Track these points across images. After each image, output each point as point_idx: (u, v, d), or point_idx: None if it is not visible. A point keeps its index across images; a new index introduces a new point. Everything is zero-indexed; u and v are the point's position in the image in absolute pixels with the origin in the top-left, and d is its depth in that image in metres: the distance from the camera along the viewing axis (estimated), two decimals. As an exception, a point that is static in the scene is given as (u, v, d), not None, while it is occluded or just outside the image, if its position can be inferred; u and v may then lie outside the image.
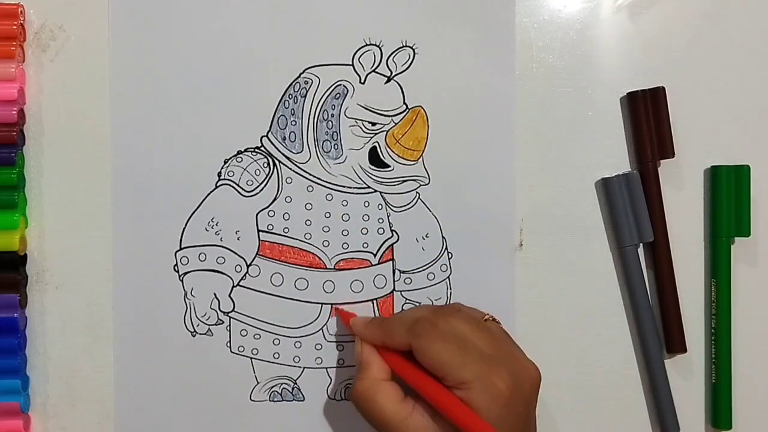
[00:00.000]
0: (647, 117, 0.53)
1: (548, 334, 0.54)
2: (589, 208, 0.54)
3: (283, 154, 0.53)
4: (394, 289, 0.53)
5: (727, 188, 0.53)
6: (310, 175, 0.53)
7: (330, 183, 0.53)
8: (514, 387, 0.45)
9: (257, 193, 0.53)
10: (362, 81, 0.53)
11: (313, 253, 0.53)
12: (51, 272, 0.52)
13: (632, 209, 0.53)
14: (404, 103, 0.53)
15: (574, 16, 0.54)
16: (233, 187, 0.53)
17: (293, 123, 0.53)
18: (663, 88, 0.53)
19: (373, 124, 0.53)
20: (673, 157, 0.53)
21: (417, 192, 0.53)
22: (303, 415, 0.53)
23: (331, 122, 0.53)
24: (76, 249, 0.52)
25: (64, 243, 0.52)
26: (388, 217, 0.53)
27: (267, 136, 0.53)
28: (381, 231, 0.53)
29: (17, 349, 0.51)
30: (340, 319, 0.53)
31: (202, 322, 0.53)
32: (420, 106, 0.53)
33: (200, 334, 0.53)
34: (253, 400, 0.53)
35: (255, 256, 0.53)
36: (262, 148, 0.53)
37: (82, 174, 0.52)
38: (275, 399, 0.53)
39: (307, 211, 0.53)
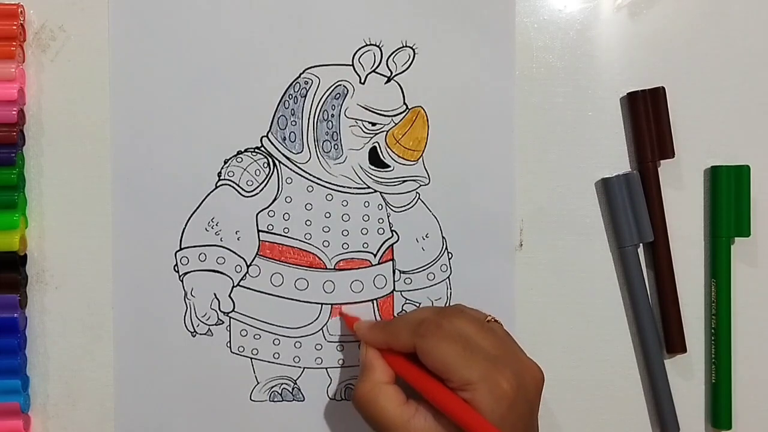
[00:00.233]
0: (647, 117, 0.53)
1: (548, 334, 0.54)
2: (589, 208, 0.54)
3: (283, 155, 0.53)
4: (394, 289, 0.53)
5: (727, 188, 0.53)
6: (310, 175, 0.53)
7: (330, 183, 0.53)
8: (518, 388, 0.45)
9: (257, 193, 0.53)
10: (362, 81, 0.53)
11: (313, 253, 0.53)
12: (51, 272, 0.52)
13: (632, 209, 0.53)
14: (404, 103, 0.53)
15: (574, 16, 0.54)
16: (233, 187, 0.53)
17: (293, 123, 0.53)
18: (663, 88, 0.53)
19: (373, 124, 0.53)
20: (673, 157, 0.53)
21: (417, 192, 0.53)
22: (303, 415, 0.53)
23: (331, 122, 0.53)
24: (76, 249, 0.52)
25: (64, 243, 0.52)
26: (388, 217, 0.53)
27: (267, 136, 0.53)
28: (381, 231, 0.53)
29: (17, 349, 0.51)
30: (343, 322, 0.53)
31: (202, 322, 0.53)
32: (420, 106, 0.53)
33: (200, 334, 0.53)
34: (253, 400, 0.53)
35: (255, 256, 0.53)
36: (262, 148, 0.53)
37: (82, 174, 0.52)
38: (275, 399, 0.53)
39: (307, 211, 0.53)
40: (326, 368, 0.53)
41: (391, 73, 0.53)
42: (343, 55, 0.53)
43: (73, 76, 0.52)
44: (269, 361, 0.53)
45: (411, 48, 0.53)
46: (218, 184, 0.53)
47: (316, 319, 0.53)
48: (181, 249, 0.53)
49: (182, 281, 0.53)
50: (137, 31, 0.52)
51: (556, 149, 0.54)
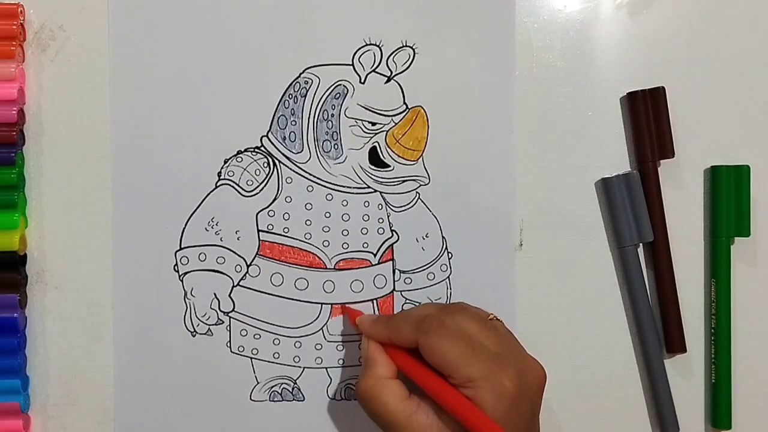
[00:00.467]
0: (647, 117, 0.53)
1: (548, 334, 0.54)
2: (589, 208, 0.54)
3: (283, 154, 0.53)
4: (394, 289, 0.53)
5: (727, 188, 0.53)
6: (310, 175, 0.53)
7: (330, 183, 0.53)
8: (520, 386, 0.45)
9: (257, 193, 0.53)
10: (362, 81, 0.53)
11: (313, 253, 0.53)
12: (51, 272, 0.52)
13: (632, 209, 0.53)
14: (404, 103, 0.53)
15: (574, 16, 0.54)
16: (233, 187, 0.53)
17: (293, 123, 0.53)
18: (663, 88, 0.53)
19: (373, 124, 0.53)
20: (673, 157, 0.53)
21: (417, 192, 0.53)
22: (303, 415, 0.53)
23: (331, 122, 0.53)
24: (76, 249, 0.52)
25: (64, 243, 0.52)
26: (388, 217, 0.53)
27: (267, 136, 0.53)
28: (381, 231, 0.53)
29: (17, 349, 0.51)
30: (347, 318, 0.53)
31: (202, 322, 0.53)
32: (420, 106, 0.53)
33: (200, 334, 0.53)
34: (253, 400, 0.53)
35: (255, 256, 0.53)
36: (262, 148, 0.53)
37: (82, 174, 0.52)
38: (275, 399, 0.53)
39: (307, 211, 0.53)
40: (326, 368, 0.53)
41: (391, 72, 0.53)
42: (343, 54, 0.53)
43: (73, 76, 0.52)
44: (269, 361, 0.53)
45: (411, 48, 0.53)
46: (218, 184, 0.53)
47: (316, 318, 0.53)
48: (181, 249, 0.53)
49: (182, 281, 0.53)
50: (137, 31, 0.52)
51: (556, 149, 0.54)
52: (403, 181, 0.53)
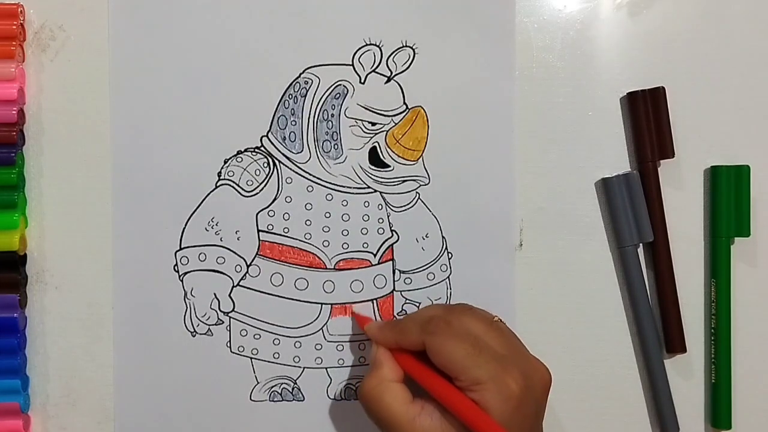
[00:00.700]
0: (647, 117, 0.53)
1: (548, 334, 0.54)
2: (589, 208, 0.54)
3: (283, 154, 0.53)
4: (394, 289, 0.53)
5: (727, 188, 0.53)
6: (310, 175, 0.53)
7: (330, 183, 0.53)
8: (526, 388, 0.45)
9: (257, 193, 0.53)
10: (362, 81, 0.53)
11: (313, 253, 0.53)
12: (51, 272, 0.52)
13: (632, 209, 0.53)
14: (404, 103, 0.53)
15: (574, 16, 0.54)
16: (233, 187, 0.53)
17: (293, 123, 0.53)
18: (663, 88, 0.53)
19: (373, 124, 0.53)
20: (673, 157, 0.53)
21: (417, 192, 0.53)
22: (303, 415, 0.53)
23: (331, 122, 0.53)
24: (76, 249, 0.52)
25: (64, 243, 0.52)
26: (388, 217, 0.53)
27: (267, 136, 0.53)
28: (381, 231, 0.53)
29: (17, 349, 0.51)
30: (347, 318, 0.53)
31: (202, 322, 0.53)
32: (420, 106, 0.53)
33: (200, 334, 0.53)
34: (253, 400, 0.53)
35: (255, 256, 0.53)
36: (262, 148, 0.53)
37: (82, 174, 0.52)
38: (275, 399, 0.53)
39: (307, 211, 0.53)
40: (326, 368, 0.53)
41: (391, 73, 0.53)
42: (343, 54, 0.53)
43: (73, 76, 0.52)
44: (269, 361, 0.53)
45: (411, 48, 0.53)
46: (218, 184, 0.53)
47: (316, 318, 0.53)
48: (181, 249, 0.53)
49: (182, 281, 0.53)
50: (137, 31, 0.52)
51: (556, 149, 0.54)
52: (403, 181, 0.53)
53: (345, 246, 0.53)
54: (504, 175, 0.53)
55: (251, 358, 0.53)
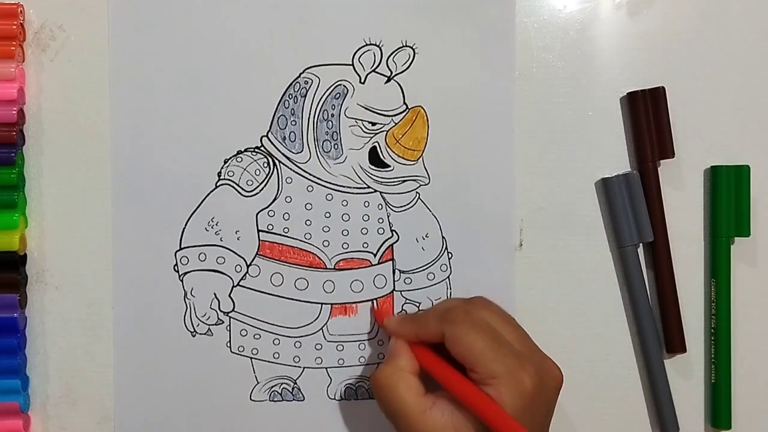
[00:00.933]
0: (647, 117, 0.53)
1: (548, 334, 0.54)
2: (589, 208, 0.54)
3: (283, 154, 0.53)
4: (394, 289, 0.53)
5: (727, 188, 0.53)
6: (310, 175, 0.53)
7: (330, 183, 0.53)
8: (539, 386, 0.45)
9: (257, 193, 0.53)
10: (362, 81, 0.53)
11: (313, 253, 0.53)
12: (51, 272, 0.52)
13: (632, 209, 0.53)
14: (404, 103, 0.53)
15: (574, 16, 0.54)
16: (233, 187, 0.53)
17: (293, 123, 0.53)
18: (663, 88, 0.53)
19: (373, 124, 0.53)
20: (673, 157, 0.53)
21: (417, 192, 0.53)
22: (303, 415, 0.53)
23: (331, 122, 0.53)
24: (76, 249, 0.52)
25: (64, 243, 0.52)
26: (388, 217, 0.53)
27: (267, 136, 0.53)
28: (381, 231, 0.53)
29: (17, 349, 0.51)
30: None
31: (202, 322, 0.53)
32: (420, 106, 0.53)
33: (200, 334, 0.53)
34: (253, 400, 0.53)
35: (255, 256, 0.53)
36: (262, 148, 0.53)
37: (82, 174, 0.52)
38: (275, 399, 0.53)
39: (307, 211, 0.53)
40: (326, 368, 0.53)
41: (391, 72, 0.53)
42: (343, 54, 0.53)
43: (73, 76, 0.52)
44: (269, 361, 0.53)
45: (411, 48, 0.53)
46: (218, 184, 0.53)
47: (316, 318, 0.53)
48: (181, 249, 0.53)
49: (182, 281, 0.53)
50: (137, 31, 0.52)
51: (556, 149, 0.54)
52: (403, 181, 0.53)
53: (345, 246, 0.53)
54: (504, 175, 0.53)
55: (251, 358, 0.53)
